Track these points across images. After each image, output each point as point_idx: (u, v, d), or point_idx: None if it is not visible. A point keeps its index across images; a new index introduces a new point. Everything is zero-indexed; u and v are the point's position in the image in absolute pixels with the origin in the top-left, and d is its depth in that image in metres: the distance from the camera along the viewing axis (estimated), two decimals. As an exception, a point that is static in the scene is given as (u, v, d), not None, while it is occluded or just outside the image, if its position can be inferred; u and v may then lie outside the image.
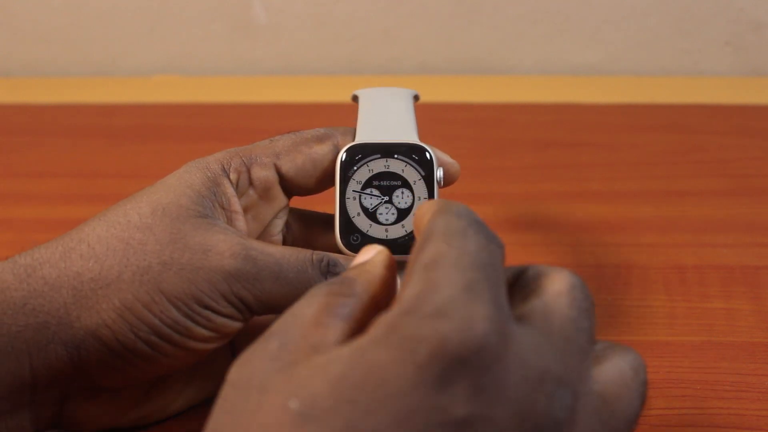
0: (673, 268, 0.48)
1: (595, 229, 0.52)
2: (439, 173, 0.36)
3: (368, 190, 0.36)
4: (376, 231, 0.36)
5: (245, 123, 0.68)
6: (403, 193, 0.36)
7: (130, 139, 0.66)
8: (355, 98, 0.40)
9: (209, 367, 0.37)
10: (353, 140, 0.37)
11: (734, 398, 0.38)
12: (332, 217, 0.36)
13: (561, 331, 0.24)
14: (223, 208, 0.35)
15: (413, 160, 0.37)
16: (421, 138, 0.37)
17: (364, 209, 0.36)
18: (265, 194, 0.36)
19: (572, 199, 0.56)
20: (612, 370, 0.25)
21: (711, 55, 0.76)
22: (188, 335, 0.32)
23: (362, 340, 0.23)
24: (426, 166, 0.37)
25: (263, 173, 0.36)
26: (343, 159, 0.36)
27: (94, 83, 0.77)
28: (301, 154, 0.36)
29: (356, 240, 0.36)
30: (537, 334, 0.24)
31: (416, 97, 0.40)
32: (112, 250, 0.32)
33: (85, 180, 0.60)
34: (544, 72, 0.77)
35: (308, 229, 0.39)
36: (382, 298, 0.28)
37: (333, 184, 0.37)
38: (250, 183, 0.36)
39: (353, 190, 0.36)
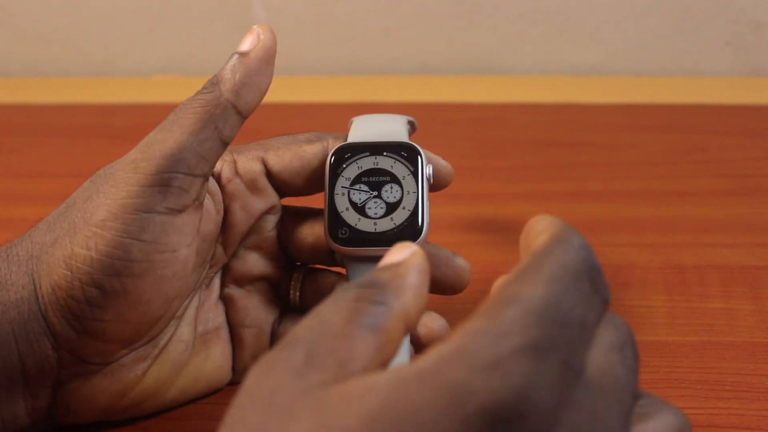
0: (673, 268, 0.48)
1: (595, 229, 0.52)
2: (428, 170, 0.37)
3: (357, 186, 0.37)
4: (364, 225, 0.36)
5: (245, 123, 0.67)
6: (392, 187, 0.37)
7: (130, 139, 0.65)
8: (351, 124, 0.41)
9: (201, 351, 0.38)
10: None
11: (734, 398, 0.38)
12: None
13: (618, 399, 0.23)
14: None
15: (402, 156, 0.37)
16: (420, 137, 0.37)
17: (353, 204, 0.37)
18: (252, 185, 0.38)
19: (572, 199, 0.56)
20: None
21: (711, 55, 0.76)
22: (127, 258, 0.32)
23: (405, 373, 0.21)
24: (415, 162, 0.37)
25: (249, 164, 0.38)
26: (333, 157, 0.37)
27: (94, 83, 0.77)
28: (290, 151, 0.38)
29: (344, 233, 0.36)
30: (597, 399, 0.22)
31: (411, 123, 0.41)
32: (59, 213, 0.35)
33: (85, 180, 0.60)
34: (544, 72, 0.77)
35: (300, 222, 0.39)
36: (413, 308, 0.26)
37: (324, 186, 0.37)
38: (237, 172, 0.38)
39: (342, 186, 0.37)
